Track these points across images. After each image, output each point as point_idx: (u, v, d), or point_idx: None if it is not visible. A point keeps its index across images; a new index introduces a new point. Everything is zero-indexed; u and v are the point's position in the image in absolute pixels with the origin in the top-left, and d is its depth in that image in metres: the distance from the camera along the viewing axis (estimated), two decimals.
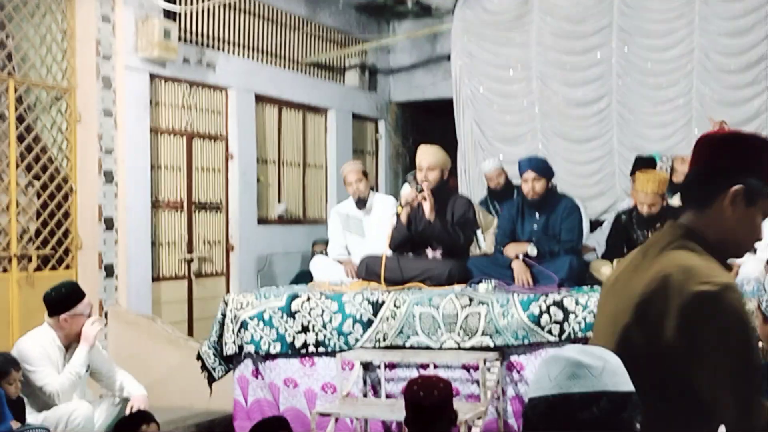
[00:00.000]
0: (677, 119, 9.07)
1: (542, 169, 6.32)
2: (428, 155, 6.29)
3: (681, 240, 2.21)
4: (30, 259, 7.41)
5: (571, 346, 2.02)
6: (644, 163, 7.21)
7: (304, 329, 5.77)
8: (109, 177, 7.80)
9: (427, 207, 6.11)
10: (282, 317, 5.82)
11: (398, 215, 6.24)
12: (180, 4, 8.47)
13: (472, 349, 5.38)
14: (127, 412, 5.12)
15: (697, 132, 8.90)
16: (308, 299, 5.81)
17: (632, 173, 7.46)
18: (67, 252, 7.71)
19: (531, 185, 6.28)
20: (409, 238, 6.26)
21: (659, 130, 9.16)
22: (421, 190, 6.15)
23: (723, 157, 2.20)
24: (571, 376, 1.92)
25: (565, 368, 1.93)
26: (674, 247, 2.20)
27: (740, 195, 2.16)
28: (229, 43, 9.37)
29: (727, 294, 2.05)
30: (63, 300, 5.11)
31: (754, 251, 6.19)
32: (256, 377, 6.02)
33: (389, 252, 6.22)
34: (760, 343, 3.30)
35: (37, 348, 5.03)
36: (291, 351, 5.81)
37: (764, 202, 2.19)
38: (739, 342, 2.05)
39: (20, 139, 7.36)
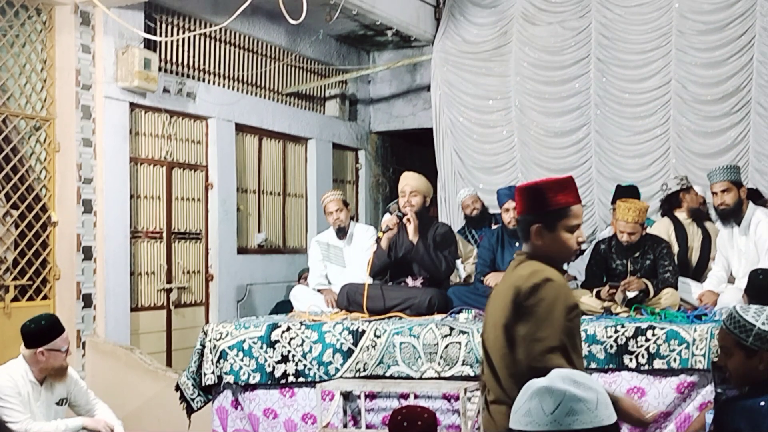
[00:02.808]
0: (655, 149, 9.15)
1: None
2: (412, 180, 6.31)
3: (527, 259, 3.27)
4: (7, 290, 7.35)
5: (558, 375, 2.01)
6: (624, 192, 7.26)
7: (284, 359, 5.75)
8: (88, 207, 7.77)
9: (411, 229, 6.12)
10: (261, 347, 5.79)
11: (379, 241, 6.23)
12: (160, 34, 8.49)
13: (453, 378, 5.37)
14: None
15: (674, 162, 8.98)
16: (288, 329, 5.79)
17: (613, 202, 7.50)
18: (44, 282, 7.66)
19: (512, 215, 6.31)
20: (389, 264, 6.25)
21: (637, 159, 9.23)
22: (404, 215, 6.16)
23: (525, 206, 3.27)
24: (569, 412, 1.89)
25: (563, 403, 1.91)
26: (522, 262, 3.27)
27: (537, 229, 3.21)
28: (209, 73, 9.38)
29: (547, 283, 3.12)
30: (41, 333, 4.99)
31: (733, 281, 6.23)
32: (236, 408, 5.97)
33: (370, 280, 6.21)
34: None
35: (9, 381, 4.94)
36: (271, 381, 5.77)
37: (564, 225, 3.20)
38: (546, 311, 3.09)
39: None
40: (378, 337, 5.58)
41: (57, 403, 5.16)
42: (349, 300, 6.23)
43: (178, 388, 6.08)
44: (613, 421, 1.96)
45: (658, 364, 5.10)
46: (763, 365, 3.08)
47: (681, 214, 6.98)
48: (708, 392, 5.01)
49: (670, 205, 7.09)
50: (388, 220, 6.30)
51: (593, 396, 1.94)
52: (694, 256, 6.84)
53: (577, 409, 1.91)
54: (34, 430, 4.88)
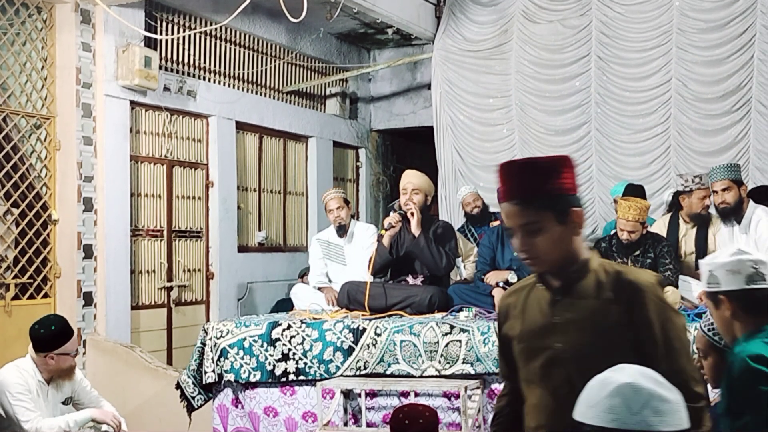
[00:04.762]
0: (655, 147, 9.15)
1: None
2: (414, 178, 6.31)
3: None
4: (8, 288, 7.35)
5: (639, 372, 1.97)
6: (632, 191, 7.20)
7: (285, 357, 5.75)
8: (88, 205, 7.77)
9: (414, 222, 6.13)
10: (262, 345, 5.79)
11: (380, 238, 6.23)
12: (161, 32, 8.49)
13: (453, 376, 5.37)
14: None
15: (675, 160, 8.98)
16: (288, 327, 5.79)
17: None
18: (45, 280, 7.66)
19: None
20: (390, 262, 6.26)
21: (638, 157, 9.23)
22: (405, 212, 6.16)
23: None
24: (656, 412, 1.87)
25: (650, 403, 1.88)
26: None
27: None
28: (209, 71, 9.38)
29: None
30: (51, 338, 4.93)
31: None
32: (236, 406, 5.97)
33: (371, 278, 6.21)
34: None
35: (20, 379, 4.93)
36: (271, 379, 5.77)
37: None
38: None
39: None
40: (378, 335, 5.58)
41: (63, 402, 5.17)
42: (349, 298, 6.23)
43: (178, 386, 6.08)
44: (689, 425, 1.95)
45: None
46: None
47: (682, 218, 6.91)
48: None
49: (673, 205, 7.01)
50: (391, 217, 6.31)
51: (677, 397, 1.93)
52: (687, 265, 6.75)
53: (663, 409, 1.89)
54: (46, 427, 4.87)
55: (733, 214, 6.12)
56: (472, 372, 5.32)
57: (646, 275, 2.54)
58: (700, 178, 6.65)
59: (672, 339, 2.45)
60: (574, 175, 2.58)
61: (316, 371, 5.67)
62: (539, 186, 2.52)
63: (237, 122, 9.53)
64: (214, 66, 9.45)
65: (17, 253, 7.46)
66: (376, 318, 5.85)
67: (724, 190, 6.07)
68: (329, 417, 5.53)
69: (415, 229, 6.14)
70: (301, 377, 5.72)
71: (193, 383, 6.02)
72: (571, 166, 2.57)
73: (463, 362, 5.36)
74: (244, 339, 5.83)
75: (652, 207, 7.51)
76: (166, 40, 8.69)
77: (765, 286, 2.84)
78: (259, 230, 10.02)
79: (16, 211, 7.43)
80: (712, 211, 6.70)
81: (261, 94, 10.14)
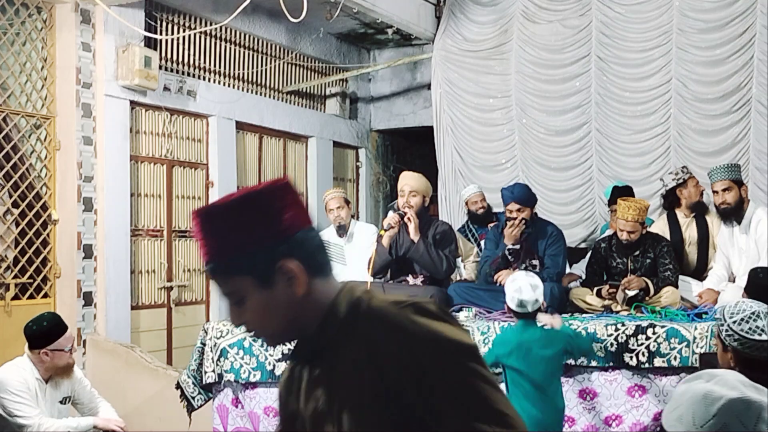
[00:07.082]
0: (655, 147, 9.13)
1: (525, 199, 6.34)
2: (411, 180, 6.30)
3: None
4: (8, 288, 7.35)
5: (737, 381, 1.87)
6: (621, 192, 7.25)
7: (285, 357, 5.75)
8: (88, 205, 7.77)
9: (411, 228, 6.12)
10: (262, 345, 5.79)
11: (379, 239, 6.23)
12: (161, 32, 8.49)
13: None
14: None
15: (675, 160, 8.97)
16: None
17: (610, 203, 7.49)
18: (45, 280, 7.66)
19: (515, 216, 6.31)
20: (390, 263, 6.25)
21: (638, 158, 9.22)
22: (405, 214, 6.15)
23: None
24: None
25: (762, 414, 1.79)
26: None
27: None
28: (209, 71, 9.38)
29: None
30: (44, 334, 4.98)
31: (734, 280, 6.24)
32: (236, 406, 5.97)
33: (371, 278, 6.20)
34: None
35: (19, 377, 4.95)
36: (271, 379, 5.77)
37: None
38: None
39: None
40: None
41: (60, 402, 5.17)
42: None
43: (178, 386, 6.08)
44: None
45: (658, 362, 5.11)
46: (734, 362, 3.11)
47: (681, 212, 6.94)
48: None
49: (669, 203, 7.03)
50: (390, 218, 6.30)
51: None
52: (692, 257, 6.80)
53: None
54: (47, 426, 4.88)
55: (733, 214, 6.12)
56: None
57: (384, 304, 1.80)
58: (686, 167, 6.93)
59: (449, 389, 1.68)
60: (285, 212, 1.92)
61: None
62: (227, 244, 1.80)
63: (237, 122, 9.53)
64: (214, 66, 9.45)
65: (17, 253, 7.46)
66: None
67: (724, 190, 6.07)
68: None
69: (413, 234, 6.12)
70: None
71: (193, 383, 6.02)
72: (280, 198, 1.92)
73: None
74: (244, 339, 5.83)
75: (651, 207, 7.53)
76: (166, 40, 8.69)
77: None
78: None
79: (16, 211, 7.43)
80: (705, 201, 6.78)
81: (261, 94, 10.14)
